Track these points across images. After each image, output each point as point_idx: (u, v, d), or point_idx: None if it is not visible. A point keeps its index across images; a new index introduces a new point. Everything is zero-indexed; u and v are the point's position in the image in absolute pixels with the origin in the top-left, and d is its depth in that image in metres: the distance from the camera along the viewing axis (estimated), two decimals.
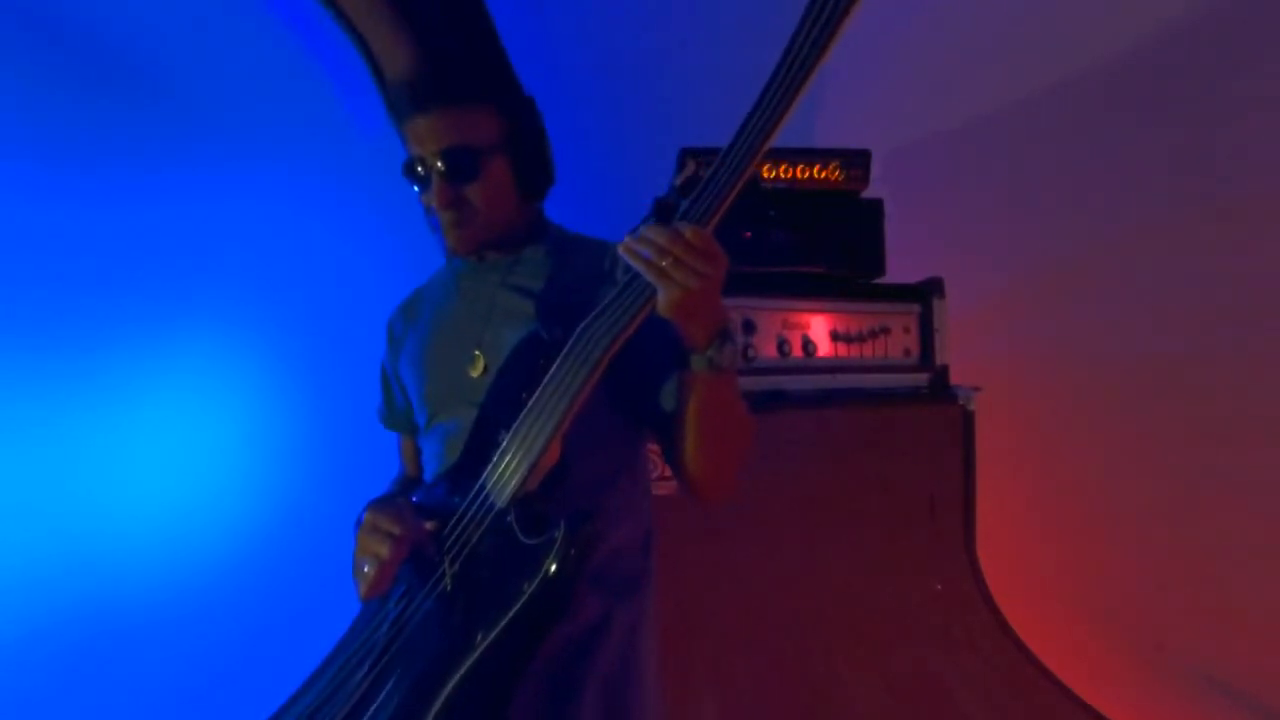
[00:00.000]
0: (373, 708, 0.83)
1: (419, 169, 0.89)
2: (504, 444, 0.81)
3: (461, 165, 0.87)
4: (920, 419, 1.70)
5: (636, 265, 0.73)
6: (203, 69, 1.84)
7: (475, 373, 0.92)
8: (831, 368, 1.64)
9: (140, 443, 1.79)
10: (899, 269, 1.75)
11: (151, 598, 1.76)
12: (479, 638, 0.77)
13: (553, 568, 0.76)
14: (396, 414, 1.10)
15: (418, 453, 1.06)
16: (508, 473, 0.81)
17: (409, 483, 1.10)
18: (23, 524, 1.66)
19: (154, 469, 1.80)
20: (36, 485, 1.68)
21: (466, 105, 0.87)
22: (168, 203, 1.82)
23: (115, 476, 1.76)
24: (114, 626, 1.72)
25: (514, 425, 0.81)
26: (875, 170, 1.71)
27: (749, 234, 1.65)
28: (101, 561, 1.72)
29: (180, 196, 1.84)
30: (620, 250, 0.74)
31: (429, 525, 0.86)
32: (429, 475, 0.99)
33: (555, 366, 0.79)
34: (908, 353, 1.72)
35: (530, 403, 0.80)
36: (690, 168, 1.57)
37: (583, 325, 0.78)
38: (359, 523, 0.88)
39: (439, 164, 0.87)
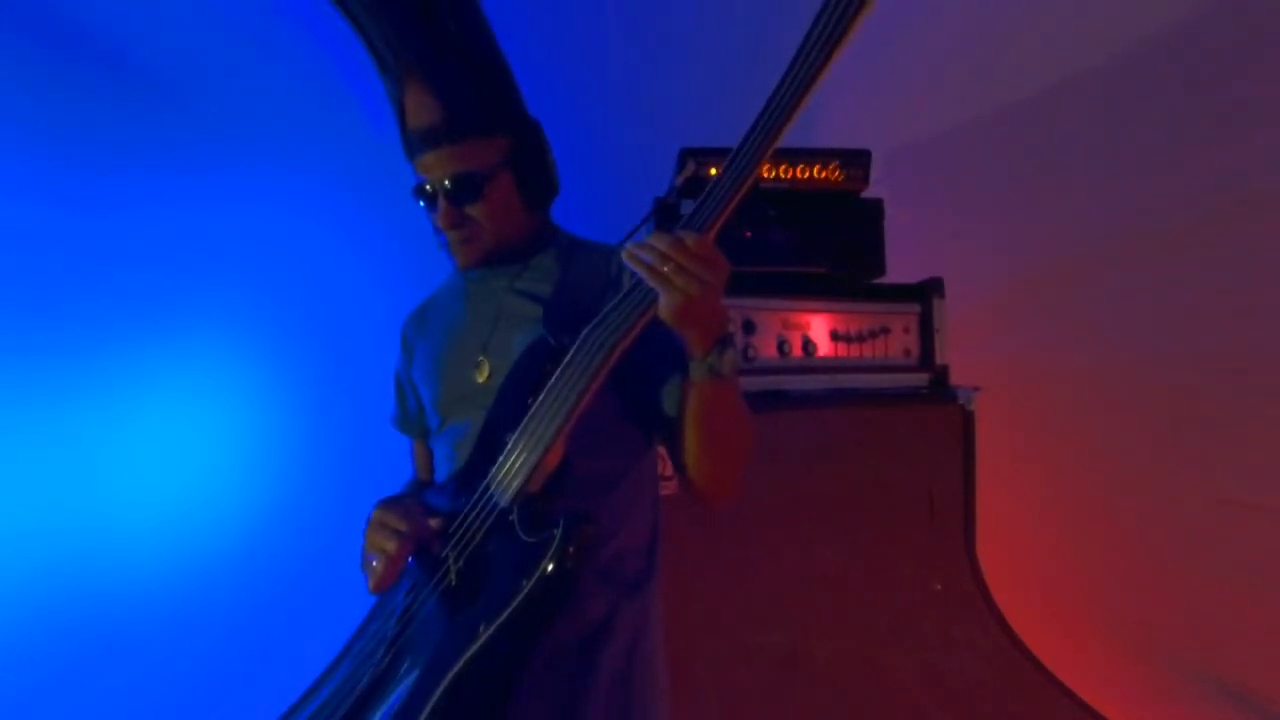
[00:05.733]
0: (385, 693, 0.87)
1: (427, 188, 0.92)
2: (509, 446, 0.83)
3: (466, 188, 0.90)
4: (920, 419, 1.70)
5: (639, 271, 0.74)
6: (210, 73, 1.85)
7: (481, 378, 0.94)
8: (831, 368, 1.65)
9: (142, 444, 1.79)
10: (899, 269, 1.75)
11: (152, 598, 1.76)
12: (481, 630, 0.79)
13: (550, 565, 0.78)
14: (409, 418, 1.12)
15: (429, 457, 1.08)
16: (511, 473, 0.83)
17: (420, 486, 1.12)
18: (26, 524, 1.66)
19: (156, 470, 1.80)
20: (39, 486, 1.68)
21: (473, 138, 0.90)
22: (172, 206, 1.82)
23: (118, 477, 1.76)
24: (115, 628, 1.72)
25: (519, 428, 0.82)
26: (875, 170, 1.71)
27: (749, 234, 1.66)
28: (103, 561, 1.72)
29: (184, 199, 1.84)
30: (623, 256, 0.76)
31: (434, 523, 0.89)
32: (440, 478, 1.01)
33: (559, 371, 0.81)
34: (908, 353, 1.72)
35: (534, 406, 0.82)
36: (690, 168, 1.57)
37: (586, 331, 0.80)
38: (368, 520, 0.90)
39: (445, 185, 0.90)
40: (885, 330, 1.70)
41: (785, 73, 0.70)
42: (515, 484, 0.82)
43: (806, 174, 1.69)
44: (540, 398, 0.81)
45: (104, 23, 1.73)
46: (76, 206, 1.73)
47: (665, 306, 0.74)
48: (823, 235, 1.70)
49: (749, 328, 1.57)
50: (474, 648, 0.79)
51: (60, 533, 1.69)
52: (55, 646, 1.66)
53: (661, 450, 0.99)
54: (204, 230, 1.86)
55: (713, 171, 1.60)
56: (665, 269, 0.72)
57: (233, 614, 1.83)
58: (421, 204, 0.94)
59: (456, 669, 0.79)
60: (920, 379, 1.73)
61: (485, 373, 0.93)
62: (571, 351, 0.80)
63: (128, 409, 1.77)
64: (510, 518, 0.83)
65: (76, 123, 1.73)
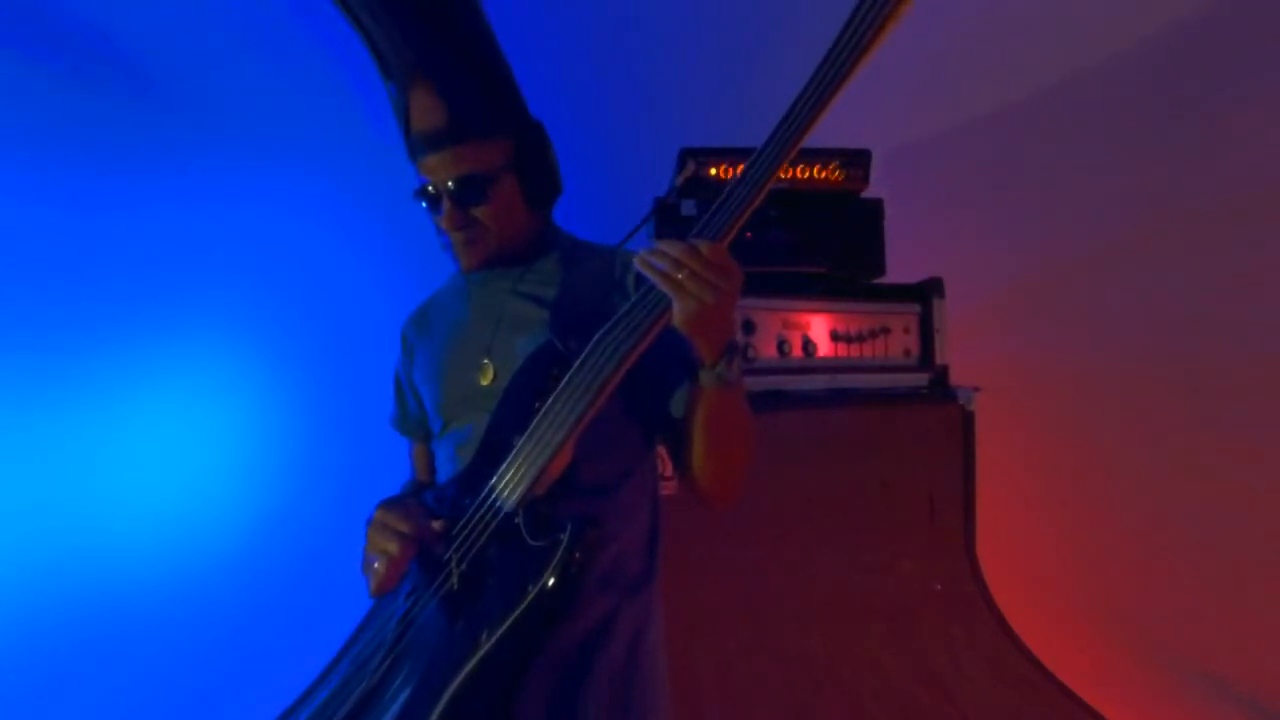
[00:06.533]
0: (384, 699, 0.86)
1: (430, 190, 0.91)
2: (515, 449, 0.82)
3: (470, 190, 0.90)
4: (920, 419, 1.70)
5: (652, 277, 0.74)
6: (210, 73, 1.85)
7: (485, 381, 0.93)
8: (831, 368, 1.65)
9: (142, 445, 1.79)
10: (899, 269, 1.75)
11: (151, 599, 1.76)
12: (484, 636, 0.79)
13: (557, 571, 0.77)
14: (409, 420, 1.11)
15: (429, 458, 1.07)
16: (517, 477, 0.82)
17: (420, 488, 1.11)
18: (28, 524, 1.66)
19: (156, 471, 1.80)
20: (38, 486, 1.68)
21: (477, 140, 0.90)
22: (172, 206, 1.83)
23: (117, 478, 1.76)
24: (114, 629, 1.72)
25: (526, 431, 0.82)
26: (875, 170, 1.71)
27: (749, 234, 1.66)
28: (102, 562, 1.72)
29: (184, 200, 1.84)
30: (636, 262, 0.75)
31: (437, 525, 0.88)
32: (441, 480, 1.00)
33: (569, 376, 0.80)
34: (908, 353, 1.72)
35: (543, 411, 0.81)
36: (690, 168, 1.57)
37: (598, 336, 0.79)
38: (369, 521, 0.89)
39: (449, 187, 0.90)
40: (885, 330, 1.70)
41: (811, 79, 0.70)
42: (521, 488, 0.81)
43: (806, 174, 1.69)
44: (549, 402, 0.81)
45: (104, 23, 1.73)
46: (76, 206, 1.73)
47: (679, 314, 0.74)
48: (823, 235, 1.70)
49: (749, 328, 1.57)
50: (476, 656, 0.78)
51: (59, 533, 1.68)
52: (53, 647, 1.66)
53: (662, 451, 0.99)
54: (204, 230, 1.86)
55: (712, 171, 1.61)
56: (680, 276, 0.72)
57: (232, 615, 1.83)
58: (424, 206, 0.93)
59: (459, 680, 0.78)
60: (920, 379, 1.73)
61: (489, 375, 0.93)
62: (582, 357, 0.79)
63: (127, 409, 1.77)
64: (515, 521, 0.82)
65: (76, 123, 1.72)
